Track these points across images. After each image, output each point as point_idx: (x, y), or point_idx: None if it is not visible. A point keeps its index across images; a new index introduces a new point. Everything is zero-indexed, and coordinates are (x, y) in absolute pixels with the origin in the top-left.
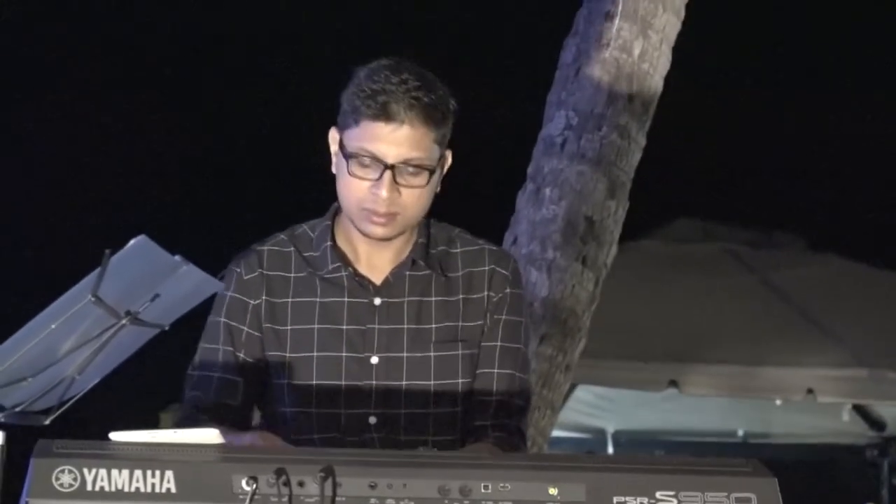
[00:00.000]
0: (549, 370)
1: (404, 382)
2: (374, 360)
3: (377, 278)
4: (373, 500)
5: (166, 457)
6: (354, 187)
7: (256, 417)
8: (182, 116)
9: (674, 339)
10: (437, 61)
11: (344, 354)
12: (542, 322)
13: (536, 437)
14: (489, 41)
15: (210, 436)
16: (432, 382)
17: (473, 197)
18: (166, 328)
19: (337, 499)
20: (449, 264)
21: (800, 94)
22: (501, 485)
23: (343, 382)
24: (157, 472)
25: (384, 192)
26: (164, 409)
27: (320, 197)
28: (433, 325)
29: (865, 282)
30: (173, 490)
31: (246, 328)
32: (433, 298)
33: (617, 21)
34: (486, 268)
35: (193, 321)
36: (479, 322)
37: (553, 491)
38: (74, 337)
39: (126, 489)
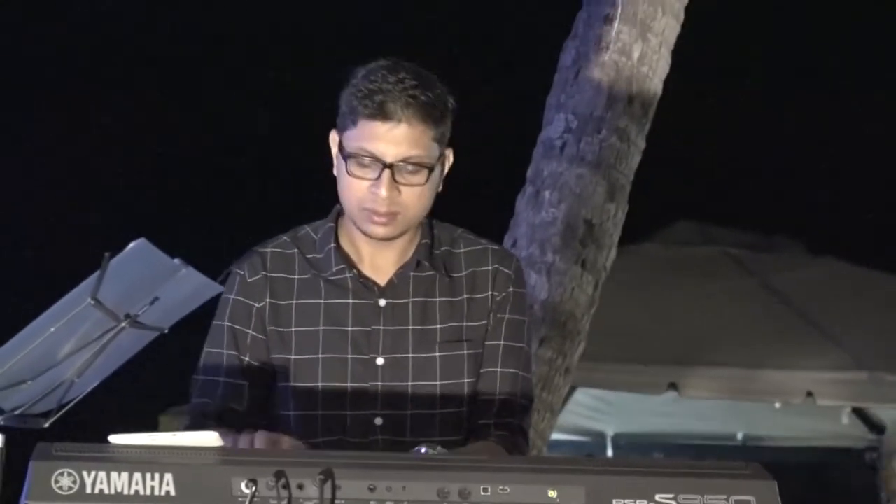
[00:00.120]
0: (549, 373)
1: (410, 383)
2: (380, 361)
3: (381, 279)
4: (372, 503)
5: (165, 459)
6: (354, 187)
7: None
8: (182, 117)
9: (673, 342)
10: (437, 63)
11: (349, 356)
12: (542, 325)
13: (536, 440)
14: (489, 44)
15: (209, 438)
16: (438, 383)
17: (473, 199)
18: (166, 331)
19: (336, 501)
20: (453, 265)
21: (799, 96)
22: (501, 487)
23: (348, 384)
24: (157, 475)
25: (383, 192)
26: (164, 412)
27: (320, 198)
28: (438, 326)
29: (865, 285)
30: (172, 493)
31: (250, 331)
32: (437, 299)
33: (616, 24)
34: (490, 267)
35: (193, 324)
36: (484, 322)
37: (552, 493)
38: (74, 340)
39: (125, 492)
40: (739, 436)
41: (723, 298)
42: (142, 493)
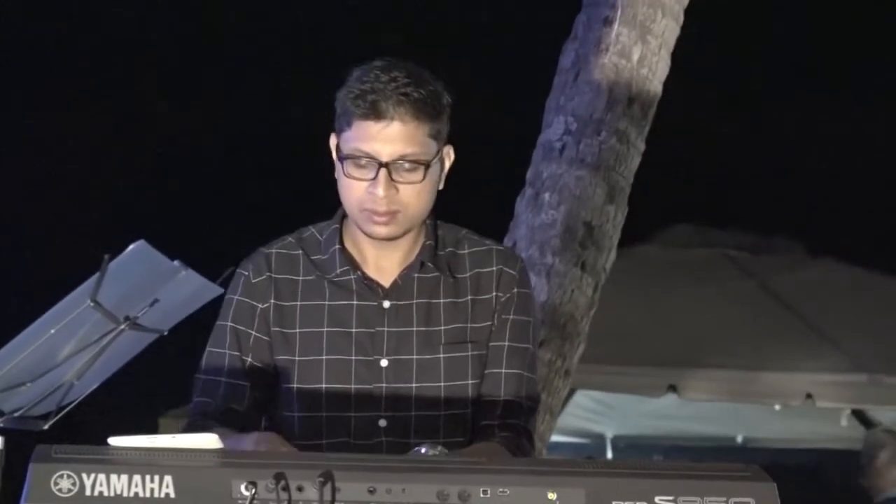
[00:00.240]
0: (548, 375)
1: (414, 385)
2: (384, 362)
3: (385, 281)
4: None
5: (165, 462)
6: (353, 189)
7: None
8: (182, 119)
9: (673, 344)
10: (437, 64)
11: (353, 358)
12: (541, 327)
13: (535, 442)
14: (488, 45)
15: (209, 441)
16: (442, 384)
17: (473, 201)
18: (165, 333)
19: (336, 503)
20: (457, 265)
21: (798, 98)
22: (500, 489)
23: (353, 386)
24: (156, 477)
25: (381, 191)
26: (163, 414)
27: (321, 200)
28: (442, 327)
29: (864, 287)
30: (172, 495)
31: (254, 332)
32: (442, 300)
33: (616, 26)
34: (494, 268)
35: (193, 326)
36: (488, 323)
37: (552, 496)
38: (73, 342)
39: (125, 494)
40: (739, 438)
41: (722, 300)
42: (141, 495)
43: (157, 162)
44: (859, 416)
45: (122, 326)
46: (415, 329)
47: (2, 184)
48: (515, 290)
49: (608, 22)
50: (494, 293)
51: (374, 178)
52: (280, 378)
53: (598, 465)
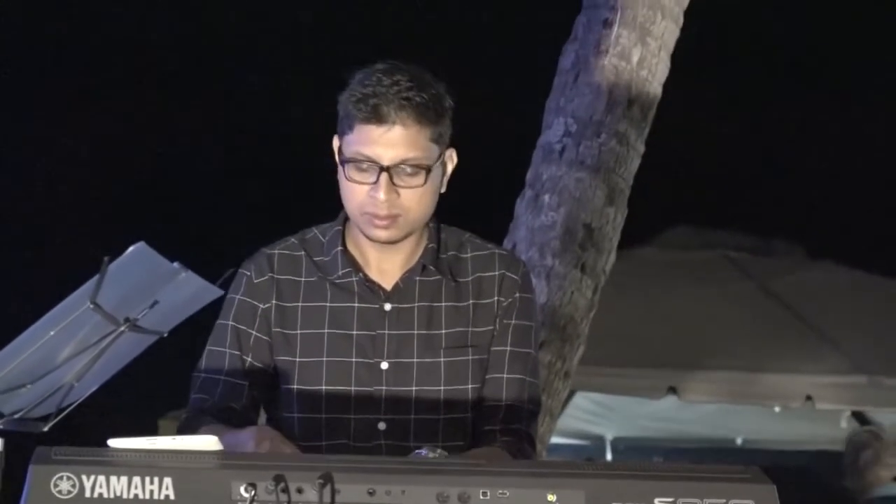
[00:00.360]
0: (548, 377)
1: (414, 388)
2: (384, 365)
3: (387, 283)
4: None
5: (165, 463)
6: (354, 192)
7: (261, 421)
8: (182, 119)
9: (672, 345)
10: (436, 67)
11: (354, 360)
12: (541, 329)
13: (536, 443)
14: (487, 47)
15: (209, 442)
16: (442, 388)
17: (472, 203)
18: (165, 335)
19: None
20: (459, 269)
21: (799, 100)
22: (500, 491)
23: (353, 388)
24: (156, 479)
25: (382, 195)
26: (163, 416)
27: (321, 201)
28: (443, 331)
29: (864, 289)
30: (172, 497)
31: (254, 332)
32: (443, 304)
33: (616, 28)
34: (497, 273)
35: (193, 328)
36: (490, 327)
37: (552, 497)
38: (73, 344)
39: (125, 496)
40: (739, 440)
41: (722, 302)
42: (141, 496)
43: (157, 162)
44: (859, 417)
45: (122, 328)
46: (416, 332)
47: (2, 184)
48: (518, 294)
49: (608, 24)
50: (496, 298)
51: (376, 182)
52: (280, 379)
53: (598, 466)
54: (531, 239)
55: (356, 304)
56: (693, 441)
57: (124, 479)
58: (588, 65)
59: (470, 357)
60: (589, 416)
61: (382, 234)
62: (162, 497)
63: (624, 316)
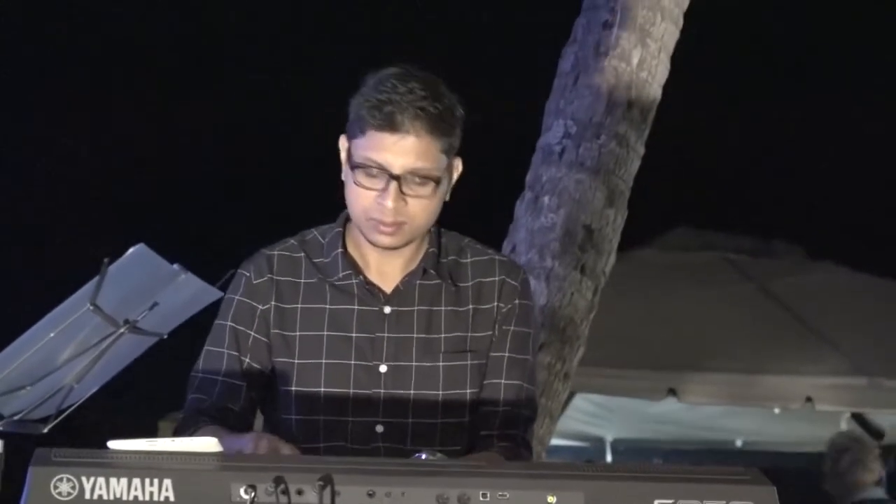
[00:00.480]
0: (548, 378)
1: (412, 392)
2: (383, 368)
3: (387, 286)
4: None
5: (165, 465)
6: (361, 197)
7: (258, 424)
8: (182, 120)
9: (672, 347)
10: (435, 69)
11: (352, 362)
12: (541, 330)
13: (535, 446)
14: (487, 49)
15: (209, 444)
16: (440, 392)
17: (472, 205)
18: (165, 337)
19: None
20: (459, 274)
21: (798, 102)
22: (500, 493)
23: (351, 390)
24: (156, 481)
25: (390, 203)
26: (163, 418)
27: (320, 203)
28: (442, 335)
29: (864, 290)
30: (172, 498)
31: (253, 333)
32: (443, 308)
33: (615, 30)
34: (497, 278)
35: (192, 329)
36: (488, 332)
37: (552, 499)
38: (73, 345)
39: (124, 497)
40: (738, 441)
41: (722, 304)
42: (141, 498)
43: (157, 163)
44: (859, 419)
45: (122, 330)
46: (415, 336)
47: (2, 184)
48: (517, 301)
49: (608, 25)
50: (496, 303)
51: (384, 190)
52: (278, 380)
53: (598, 468)
54: (531, 240)
55: (356, 307)
56: (693, 442)
57: (124, 480)
58: (588, 67)
59: (469, 362)
60: (589, 417)
61: (386, 240)
62: (162, 498)
63: (624, 317)
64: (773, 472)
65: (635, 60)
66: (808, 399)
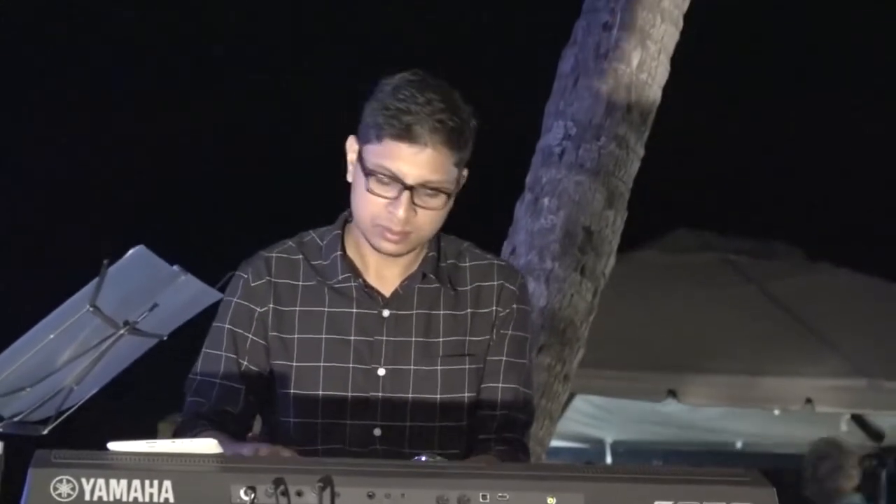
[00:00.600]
0: (548, 380)
1: (410, 395)
2: (381, 371)
3: (386, 290)
4: None
5: (164, 466)
6: (371, 203)
7: (257, 426)
8: (182, 121)
9: (672, 348)
10: (435, 70)
11: (351, 365)
12: (541, 332)
13: (535, 447)
14: (487, 51)
15: (209, 446)
16: (438, 396)
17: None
18: (165, 338)
19: None
20: (458, 278)
21: (798, 104)
22: (500, 494)
23: (349, 393)
24: (156, 482)
25: (401, 213)
26: (163, 419)
27: (320, 204)
28: (441, 339)
29: (864, 291)
30: (171, 500)
31: (251, 335)
32: (441, 312)
33: (615, 31)
34: (495, 283)
35: (192, 331)
36: (486, 337)
37: (551, 500)
38: (73, 347)
39: (124, 499)
40: (738, 443)
41: (722, 305)
42: (140, 500)
43: (157, 163)
44: (859, 420)
45: (122, 331)
46: (413, 339)
47: (1, 184)
48: (515, 305)
49: (607, 27)
50: (494, 308)
51: (396, 199)
52: (277, 383)
53: (598, 469)
54: (531, 242)
55: (354, 310)
56: (693, 444)
57: (124, 481)
58: (588, 68)
59: (467, 366)
60: (589, 419)
61: (391, 247)
62: (161, 500)
63: (624, 319)
64: (773, 473)
65: (635, 62)
66: (808, 400)
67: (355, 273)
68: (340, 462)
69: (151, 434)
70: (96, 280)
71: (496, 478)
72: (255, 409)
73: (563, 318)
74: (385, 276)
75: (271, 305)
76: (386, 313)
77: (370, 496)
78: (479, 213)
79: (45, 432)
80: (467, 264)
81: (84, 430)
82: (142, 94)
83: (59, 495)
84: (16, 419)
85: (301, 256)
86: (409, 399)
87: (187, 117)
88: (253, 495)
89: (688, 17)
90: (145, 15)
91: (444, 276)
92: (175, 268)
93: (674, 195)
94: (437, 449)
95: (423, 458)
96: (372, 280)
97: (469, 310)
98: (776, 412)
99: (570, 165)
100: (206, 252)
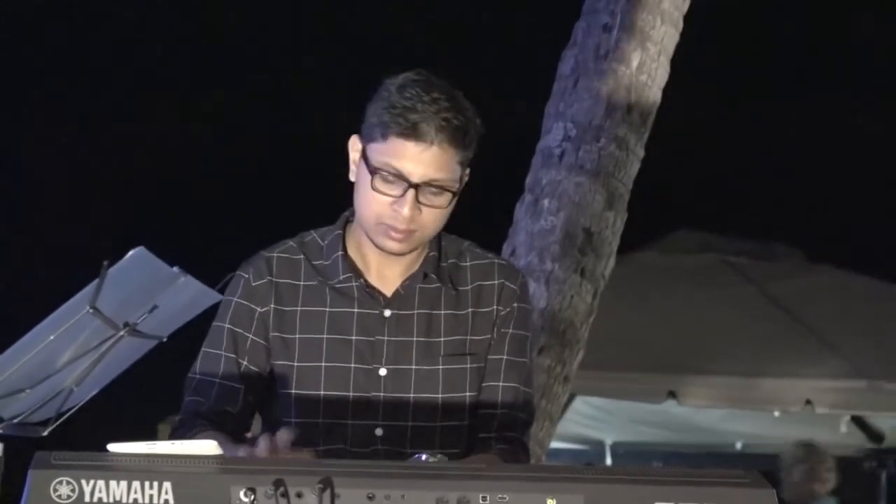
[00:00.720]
0: (548, 381)
1: (412, 395)
2: (383, 371)
3: (388, 290)
4: None
5: (164, 468)
6: (375, 201)
7: (256, 427)
8: (182, 121)
9: (672, 350)
10: (436, 71)
11: (352, 365)
12: (541, 333)
13: (535, 449)
14: (487, 51)
15: (208, 447)
16: (440, 395)
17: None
18: (164, 339)
19: None
20: (459, 278)
21: (798, 106)
22: (500, 495)
23: (351, 393)
24: (155, 484)
25: (406, 211)
26: (163, 420)
27: (320, 205)
28: (442, 339)
29: (863, 293)
30: (171, 501)
31: (251, 335)
32: (442, 311)
33: (615, 33)
34: (496, 282)
35: (192, 332)
36: (487, 336)
37: (551, 502)
38: (73, 348)
39: (124, 500)
40: (738, 444)
41: (722, 307)
42: (140, 501)
43: (157, 164)
44: (859, 422)
45: (122, 333)
46: (415, 339)
47: (1, 184)
48: (515, 304)
49: (607, 29)
50: (495, 307)
51: (401, 197)
52: (278, 383)
53: (598, 471)
54: (531, 243)
55: (356, 310)
56: (693, 445)
57: (123, 483)
58: (588, 70)
59: (468, 365)
60: (588, 420)
61: (395, 246)
62: (161, 501)
63: (623, 320)
64: (773, 474)
65: (635, 63)
66: (808, 402)
67: (356, 273)
68: (340, 463)
69: (151, 435)
70: (96, 281)
71: (496, 479)
72: (253, 410)
73: (563, 319)
74: (386, 275)
75: (272, 305)
76: (387, 313)
77: (370, 497)
78: (479, 215)
79: (45, 434)
80: (468, 264)
81: (84, 432)
82: (142, 94)
83: (59, 497)
84: (16, 421)
85: (302, 256)
86: (410, 399)
87: (187, 117)
88: (253, 497)
89: (687, 18)
90: (145, 15)
91: (445, 275)
92: (175, 269)
93: (674, 196)
94: (439, 448)
95: (424, 458)
96: (373, 280)
97: (470, 309)
98: (776, 413)
99: (570, 167)
100: (205, 253)
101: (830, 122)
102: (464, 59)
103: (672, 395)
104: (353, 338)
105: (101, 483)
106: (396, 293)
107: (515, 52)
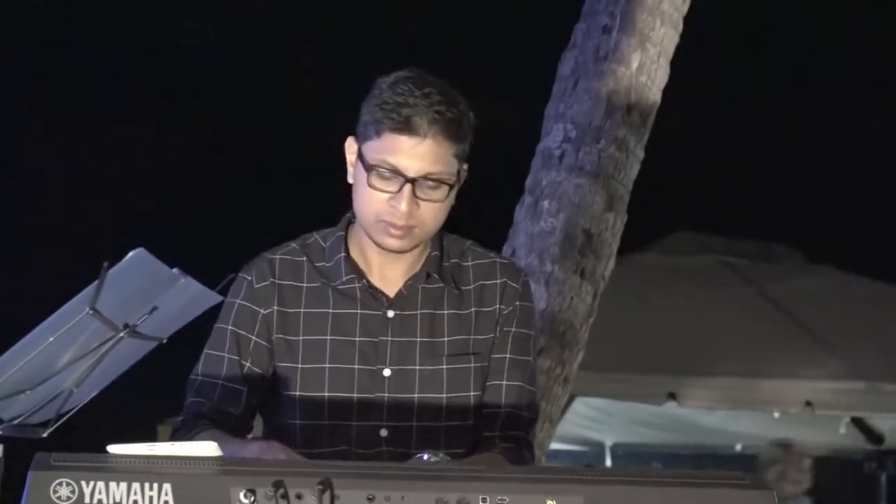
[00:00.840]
0: (548, 383)
1: (416, 395)
2: (387, 372)
3: (390, 290)
4: None
5: (164, 470)
6: (373, 199)
7: (258, 428)
8: (182, 121)
9: (672, 351)
10: (435, 73)
11: (356, 367)
12: (541, 335)
13: (535, 450)
14: (487, 52)
15: (208, 448)
16: (444, 395)
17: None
18: (164, 341)
19: None
20: (461, 277)
21: (798, 107)
22: (500, 497)
23: (355, 395)
24: (155, 485)
25: (403, 206)
26: (162, 422)
27: (319, 206)
28: (445, 339)
29: (863, 294)
30: (171, 503)
31: (254, 337)
32: (445, 311)
33: (615, 34)
34: (498, 281)
35: (192, 334)
36: (491, 335)
37: (551, 503)
38: (72, 349)
39: (124, 502)
40: (738, 445)
41: (721, 308)
42: (140, 502)
43: (157, 165)
44: (859, 423)
45: (122, 334)
46: (418, 339)
47: (1, 184)
48: (518, 303)
49: (607, 30)
50: (498, 306)
51: (398, 192)
52: (281, 385)
53: (597, 472)
54: (530, 245)
55: (359, 311)
56: (692, 447)
57: (123, 485)
58: (587, 71)
59: (472, 364)
60: (588, 421)
61: (396, 243)
62: (161, 503)
63: (623, 321)
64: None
65: (635, 65)
66: (808, 403)
67: (359, 274)
68: (340, 464)
69: (151, 437)
70: (96, 283)
71: (496, 480)
72: (255, 411)
73: (563, 320)
74: (388, 276)
75: (275, 307)
76: (390, 314)
77: (370, 499)
78: (478, 216)
79: (45, 435)
80: (470, 263)
81: (84, 433)
82: (142, 95)
83: (59, 498)
84: (15, 422)
85: (304, 258)
86: (415, 399)
87: (187, 117)
88: (252, 498)
89: (687, 19)
90: (145, 15)
91: (448, 275)
92: (175, 270)
93: (673, 197)
94: (443, 448)
95: (426, 457)
96: (376, 281)
97: (473, 308)
98: (776, 415)
99: (570, 168)
100: (205, 254)
101: (830, 122)
102: (464, 59)
103: (672, 396)
104: (357, 339)
105: (100, 484)
106: (399, 294)
107: (515, 54)
